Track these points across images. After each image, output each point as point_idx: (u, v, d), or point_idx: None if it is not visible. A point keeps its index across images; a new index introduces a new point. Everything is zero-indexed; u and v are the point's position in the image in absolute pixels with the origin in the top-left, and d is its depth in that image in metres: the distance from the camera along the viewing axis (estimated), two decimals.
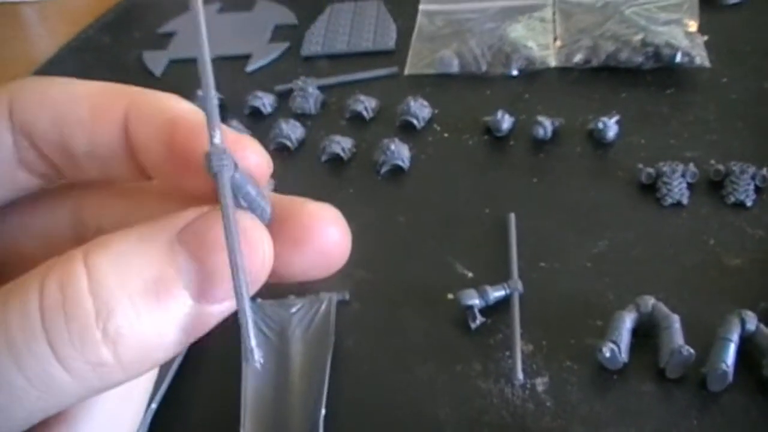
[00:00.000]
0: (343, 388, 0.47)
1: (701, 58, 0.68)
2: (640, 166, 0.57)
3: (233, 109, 0.73)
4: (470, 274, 0.53)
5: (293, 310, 0.51)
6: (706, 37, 0.71)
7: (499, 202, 0.58)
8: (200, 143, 0.19)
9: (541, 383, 0.45)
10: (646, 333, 0.46)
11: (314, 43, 0.82)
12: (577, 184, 0.59)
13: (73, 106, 0.20)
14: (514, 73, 0.71)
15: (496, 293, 0.50)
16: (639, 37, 0.69)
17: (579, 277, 0.51)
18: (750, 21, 0.75)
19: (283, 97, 0.73)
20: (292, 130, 0.67)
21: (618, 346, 0.44)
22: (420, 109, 0.67)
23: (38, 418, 0.17)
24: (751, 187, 0.55)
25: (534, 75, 0.71)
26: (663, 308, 0.46)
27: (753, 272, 0.50)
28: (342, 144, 0.65)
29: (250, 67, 0.80)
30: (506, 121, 0.63)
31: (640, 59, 0.68)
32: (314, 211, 0.20)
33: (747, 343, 0.44)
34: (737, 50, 0.70)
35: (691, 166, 0.56)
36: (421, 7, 0.83)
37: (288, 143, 0.66)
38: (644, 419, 0.43)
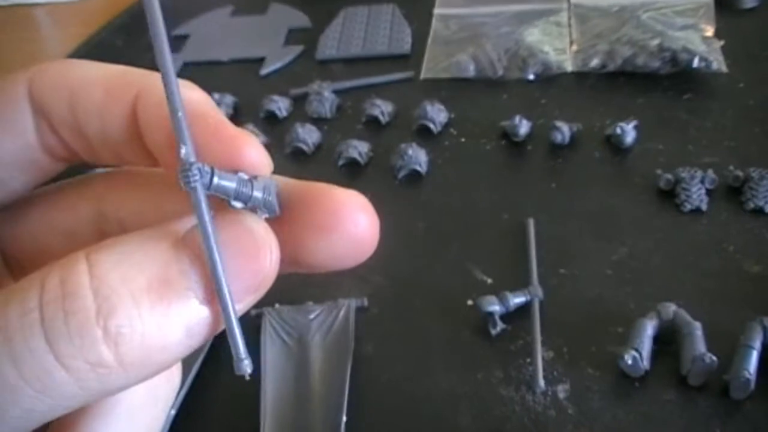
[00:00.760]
0: (364, 395, 0.47)
1: (718, 63, 0.68)
2: (659, 171, 0.57)
3: (248, 112, 0.73)
4: (489, 280, 0.53)
5: (312, 316, 0.51)
6: (722, 42, 0.70)
7: (518, 208, 0.58)
8: (201, 132, 0.18)
9: (562, 390, 0.45)
10: (668, 340, 0.46)
11: (329, 46, 0.82)
12: (595, 189, 0.59)
13: (88, 89, 0.20)
14: (531, 77, 0.71)
15: (517, 299, 0.49)
16: (656, 41, 0.69)
17: (599, 284, 0.51)
18: (766, 25, 0.74)
19: (299, 101, 0.73)
20: (309, 135, 0.66)
21: (640, 354, 0.44)
22: (436, 114, 0.67)
23: (37, 421, 0.17)
24: None
25: (550, 79, 0.71)
26: (684, 315, 0.46)
27: None
28: (359, 148, 0.64)
29: (265, 71, 0.80)
30: (524, 126, 0.63)
31: (656, 64, 0.68)
32: (342, 197, 0.19)
33: None
34: (754, 55, 0.70)
35: (710, 172, 0.56)
36: (436, 11, 0.83)
37: (305, 147, 0.66)
38: (667, 427, 0.42)
